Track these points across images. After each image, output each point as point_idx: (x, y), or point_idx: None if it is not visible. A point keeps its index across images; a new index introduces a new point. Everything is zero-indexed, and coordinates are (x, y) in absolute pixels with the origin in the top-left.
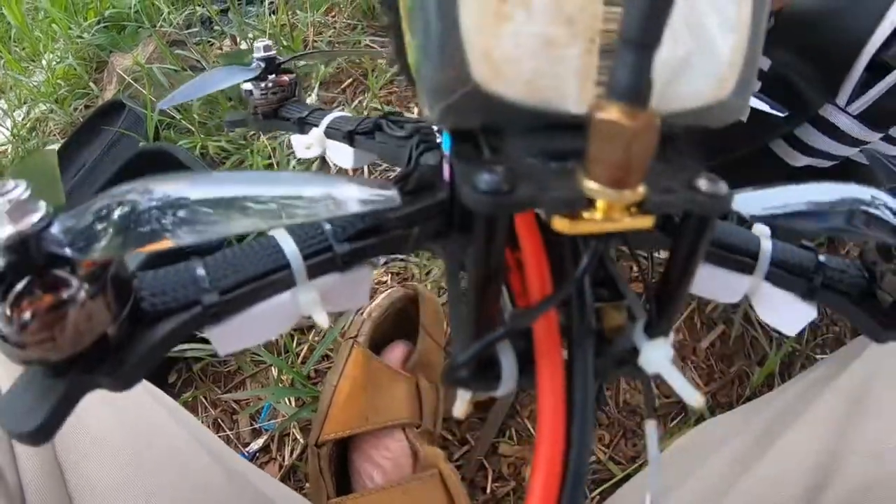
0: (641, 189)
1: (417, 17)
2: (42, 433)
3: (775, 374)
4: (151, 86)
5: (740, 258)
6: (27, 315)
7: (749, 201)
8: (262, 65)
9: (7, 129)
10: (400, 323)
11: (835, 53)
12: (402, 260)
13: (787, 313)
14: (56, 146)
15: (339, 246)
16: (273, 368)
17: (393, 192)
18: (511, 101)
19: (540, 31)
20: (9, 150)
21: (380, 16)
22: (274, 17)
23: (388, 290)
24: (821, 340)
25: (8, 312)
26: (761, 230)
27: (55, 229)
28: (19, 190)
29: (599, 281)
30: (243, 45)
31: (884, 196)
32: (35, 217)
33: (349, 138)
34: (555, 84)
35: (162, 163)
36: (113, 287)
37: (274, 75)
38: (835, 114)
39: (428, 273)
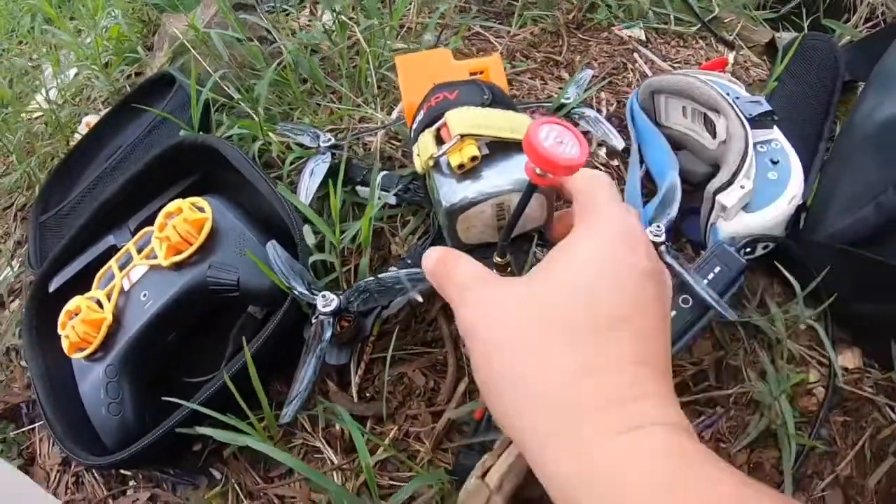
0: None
1: (444, 225)
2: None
3: None
4: (208, 57)
5: None
6: (339, 326)
7: None
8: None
9: (54, 90)
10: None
11: None
12: None
13: None
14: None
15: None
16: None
17: None
18: (475, 244)
19: (479, 231)
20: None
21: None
22: None
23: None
24: None
25: (335, 324)
26: None
27: (342, 301)
28: (334, 298)
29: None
30: (325, 17)
31: None
32: (335, 301)
33: (395, 194)
34: (487, 237)
35: (205, 159)
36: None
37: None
38: None
39: None
